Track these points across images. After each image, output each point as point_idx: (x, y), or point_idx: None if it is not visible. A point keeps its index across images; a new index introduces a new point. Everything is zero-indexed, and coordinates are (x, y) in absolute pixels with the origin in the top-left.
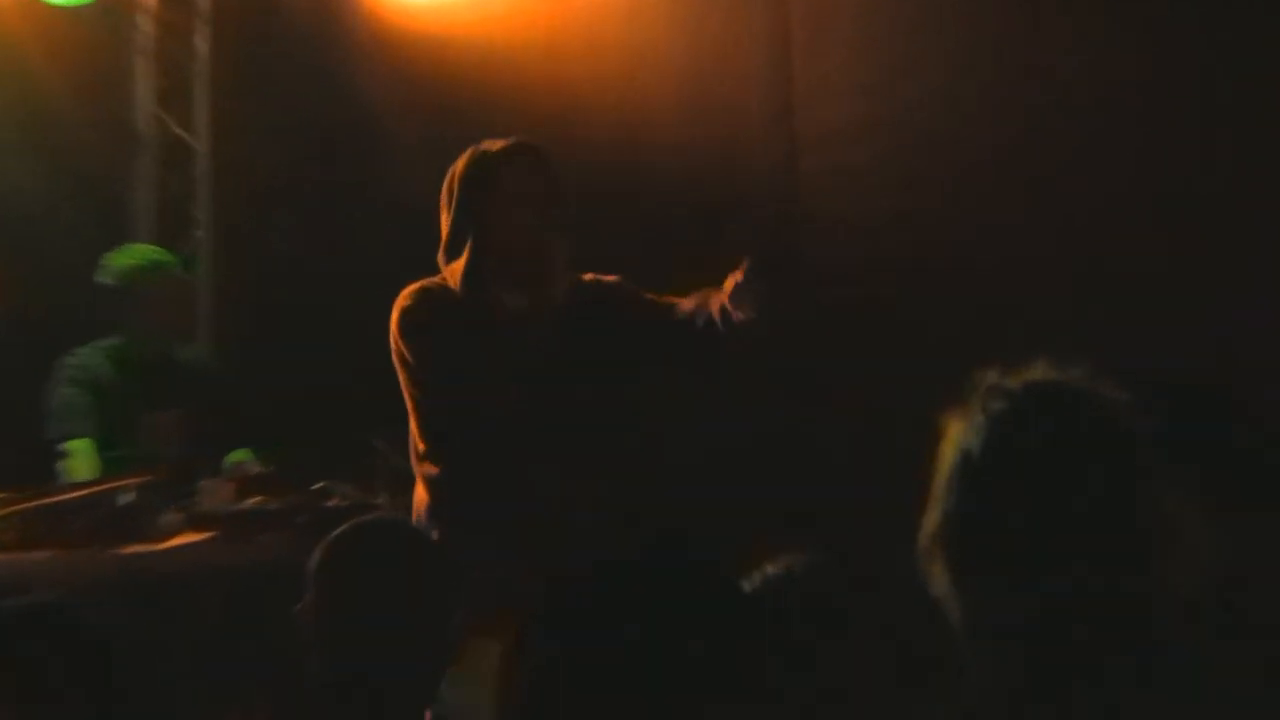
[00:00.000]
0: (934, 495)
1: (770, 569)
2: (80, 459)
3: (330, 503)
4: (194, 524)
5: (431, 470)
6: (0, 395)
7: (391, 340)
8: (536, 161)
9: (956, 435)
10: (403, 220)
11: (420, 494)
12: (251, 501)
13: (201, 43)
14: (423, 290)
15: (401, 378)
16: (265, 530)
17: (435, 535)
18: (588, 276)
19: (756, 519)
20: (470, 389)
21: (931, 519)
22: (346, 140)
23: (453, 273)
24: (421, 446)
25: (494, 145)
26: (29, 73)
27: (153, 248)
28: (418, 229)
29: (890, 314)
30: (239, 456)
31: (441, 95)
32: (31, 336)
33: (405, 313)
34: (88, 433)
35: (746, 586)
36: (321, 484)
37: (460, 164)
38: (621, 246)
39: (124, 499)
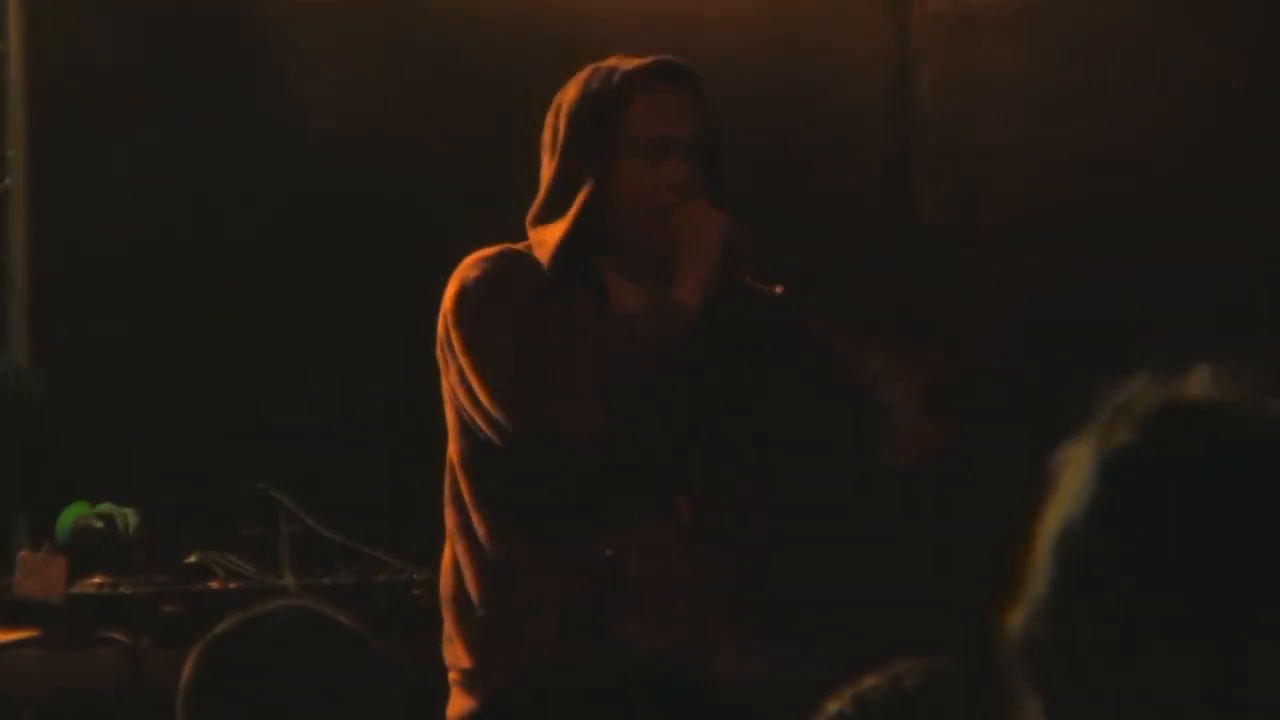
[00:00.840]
0: (1029, 575)
1: (869, 684)
2: None
3: (209, 585)
4: (7, 617)
5: (499, 522)
6: None
7: (443, 325)
8: (689, 89)
9: (1065, 489)
10: (319, 159)
11: (452, 556)
12: (91, 583)
13: None
14: (499, 255)
15: (451, 381)
16: (111, 627)
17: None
18: (766, 286)
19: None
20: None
21: (1023, 612)
22: (230, 36)
23: (543, 241)
24: (471, 485)
25: (625, 61)
26: None
27: None
28: (339, 172)
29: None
30: (74, 513)
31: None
32: None
33: (473, 285)
34: None
35: (829, 711)
36: (194, 556)
37: (572, 88)
38: None
39: None
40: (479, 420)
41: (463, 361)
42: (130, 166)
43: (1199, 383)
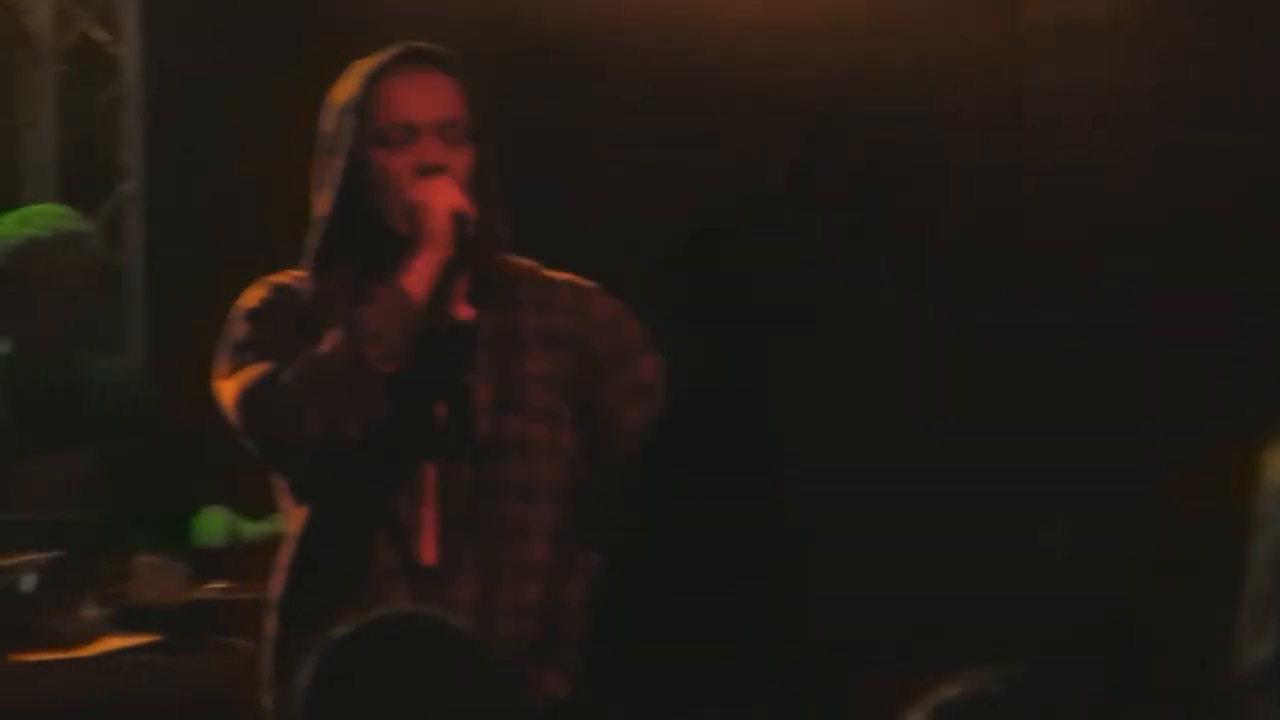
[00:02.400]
0: (1258, 600)
1: (949, 692)
2: None
3: None
4: (127, 623)
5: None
6: None
7: (218, 363)
8: (433, 74)
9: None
10: None
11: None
12: (211, 589)
13: None
14: (270, 294)
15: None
16: (231, 633)
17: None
18: (556, 275)
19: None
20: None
21: (1260, 642)
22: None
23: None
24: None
25: (375, 56)
26: None
27: (52, 208)
28: None
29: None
30: (212, 519)
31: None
32: None
33: (234, 323)
34: None
35: (914, 718)
36: None
37: (335, 90)
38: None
39: (23, 585)
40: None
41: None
42: (245, 172)
43: None
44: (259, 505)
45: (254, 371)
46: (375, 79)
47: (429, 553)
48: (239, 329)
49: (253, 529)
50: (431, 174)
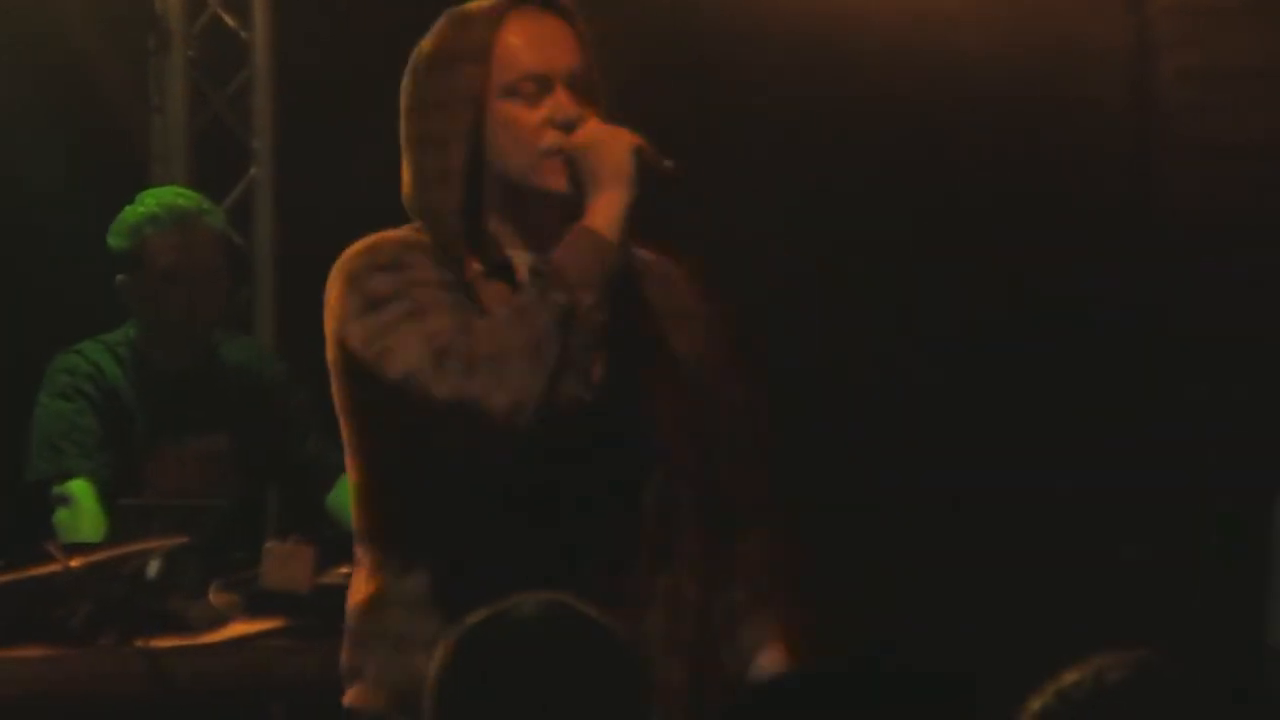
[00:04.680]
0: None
1: (1071, 679)
2: (80, 509)
3: None
4: (255, 608)
5: (394, 547)
6: None
7: (332, 329)
8: (557, 24)
9: None
10: None
11: (364, 587)
12: (339, 573)
13: None
14: (378, 241)
15: (343, 396)
16: None
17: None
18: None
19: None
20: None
21: None
22: None
23: (429, 214)
24: (367, 512)
25: (479, 2)
26: None
27: (182, 190)
28: None
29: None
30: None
31: None
32: (12, 330)
33: (360, 273)
34: (90, 470)
35: (1033, 709)
36: None
37: (429, 40)
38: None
39: (151, 571)
40: (376, 421)
41: (363, 352)
42: (374, 157)
43: None
44: None
45: (432, 323)
46: (497, 24)
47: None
48: (375, 279)
49: None
50: (569, 128)
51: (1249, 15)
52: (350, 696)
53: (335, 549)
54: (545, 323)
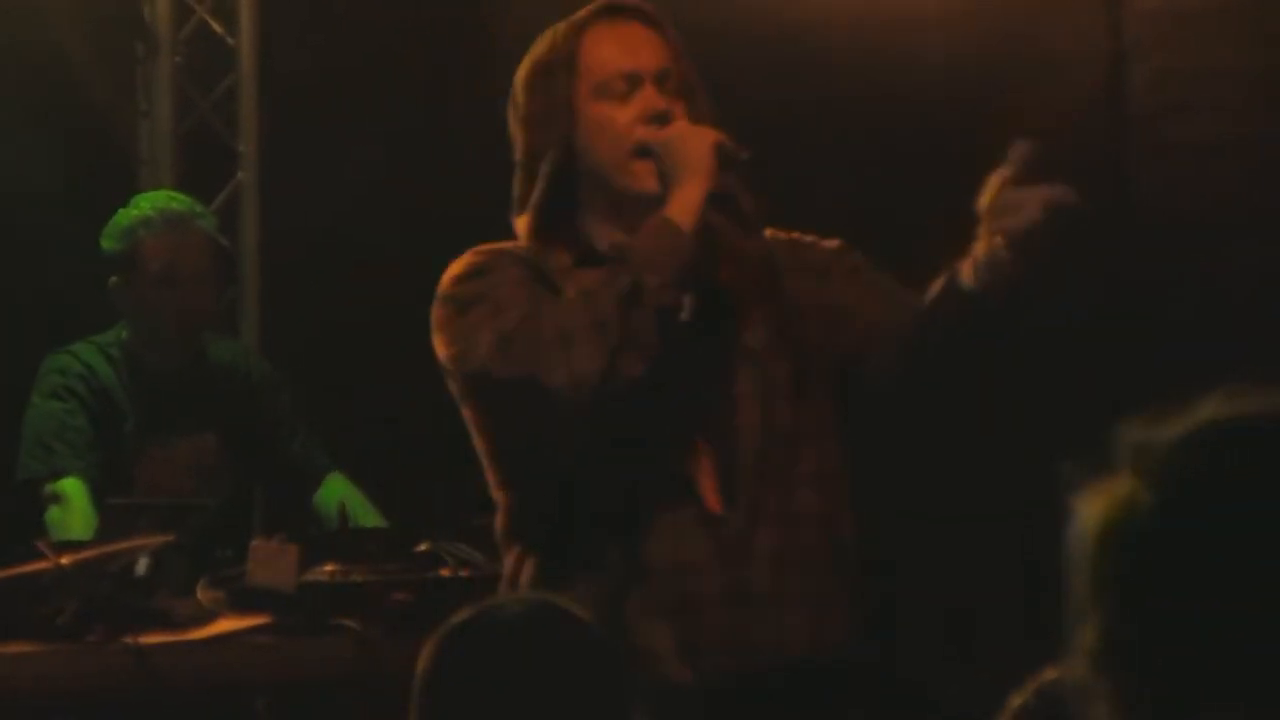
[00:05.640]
0: (1081, 600)
1: (1050, 677)
2: (70, 508)
3: (440, 573)
4: (240, 605)
5: (530, 543)
6: None
7: (439, 339)
8: (642, 28)
9: (1099, 518)
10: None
11: (516, 568)
12: (323, 571)
13: None
14: (479, 252)
15: (467, 413)
16: (344, 614)
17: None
18: (782, 235)
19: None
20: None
21: (1086, 634)
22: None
23: (528, 212)
24: (506, 495)
25: (573, 17)
26: None
27: (175, 194)
28: None
29: (1255, 281)
30: (335, 489)
31: None
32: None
33: (457, 278)
34: (80, 470)
35: (1013, 705)
36: (426, 544)
37: (529, 56)
38: (878, 189)
39: (139, 568)
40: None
41: (445, 357)
42: (358, 160)
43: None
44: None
45: (505, 318)
46: (581, 33)
47: (716, 502)
48: (465, 287)
49: (362, 514)
50: (659, 123)
51: (1216, 20)
52: None
53: (320, 548)
54: (608, 303)
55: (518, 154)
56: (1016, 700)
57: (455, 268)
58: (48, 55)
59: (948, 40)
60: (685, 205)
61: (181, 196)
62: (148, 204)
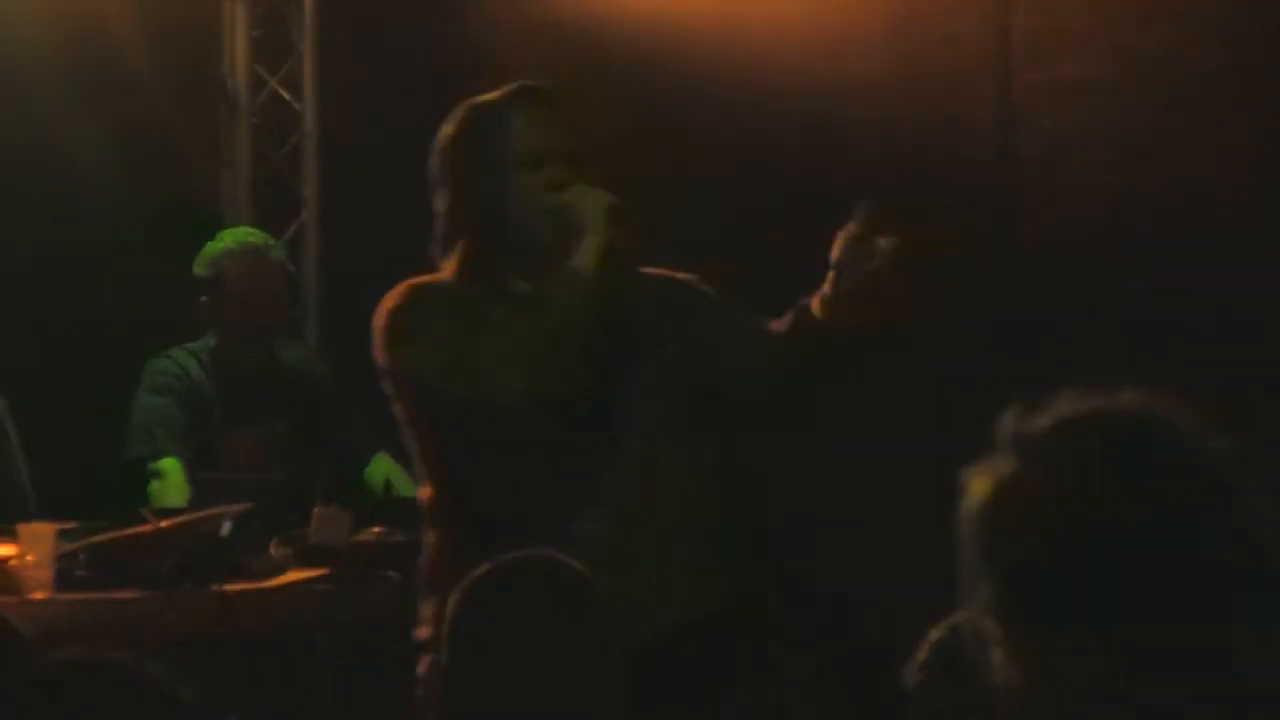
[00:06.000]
0: (974, 563)
1: (965, 615)
2: (168, 482)
3: None
4: (304, 559)
5: (450, 523)
6: (75, 409)
7: (380, 360)
8: (554, 106)
9: (988, 493)
10: None
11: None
12: (372, 532)
13: None
14: (409, 285)
15: (399, 409)
16: (387, 568)
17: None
18: (648, 270)
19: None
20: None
21: (981, 589)
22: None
23: (453, 260)
24: (432, 493)
25: (493, 94)
26: (99, 23)
27: (251, 230)
28: None
29: (1127, 305)
30: (380, 466)
31: (596, 53)
32: (113, 339)
33: (394, 314)
34: (176, 451)
35: (931, 639)
36: None
37: (450, 127)
38: (804, 238)
39: (223, 530)
40: (412, 431)
41: (390, 375)
42: (399, 205)
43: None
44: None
45: (447, 347)
46: (504, 111)
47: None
48: (406, 316)
49: (404, 487)
50: (561, 190)
51: (1098, 89)
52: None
53: (369, 514)
54: (534, 342)
55: (444, 204)
56: (934, 635)
57: (391, 299)
58: (148, 120)
59: (867, 108)
60: (586, 255)
61: (257, 232)
62: (230, 238)
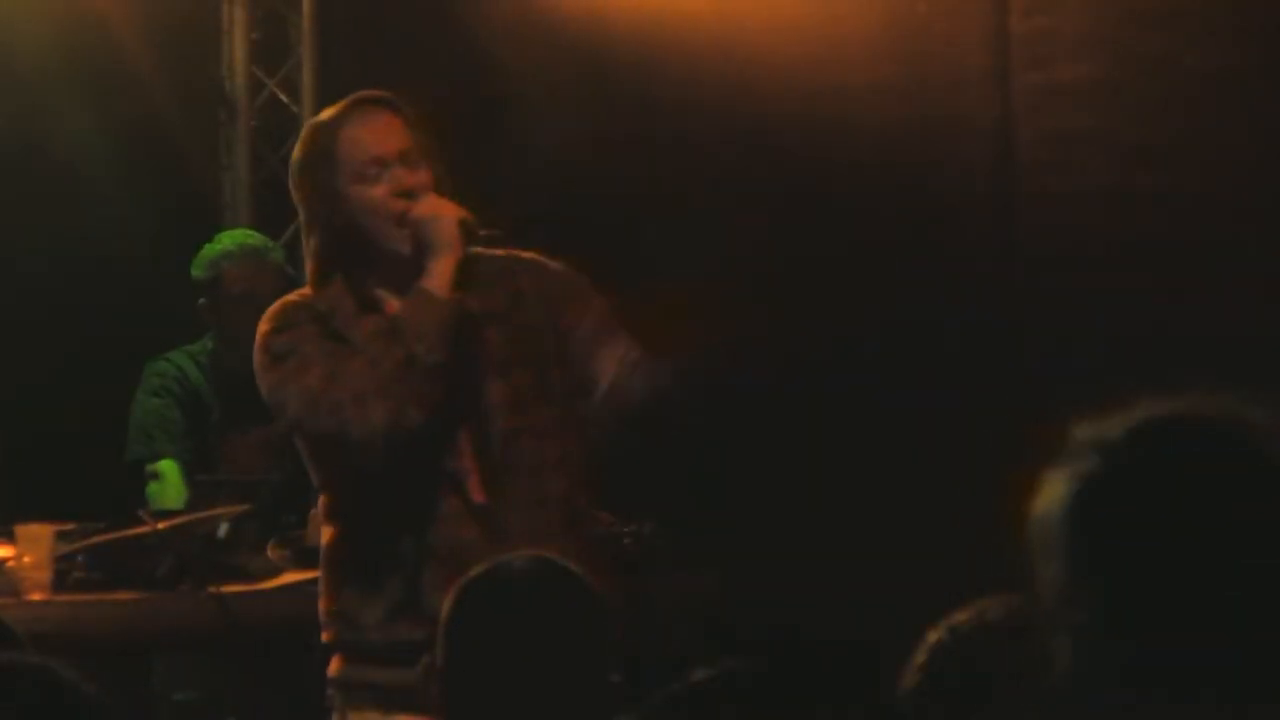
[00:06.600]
0: (1048, 551)
1: (961, 617)
2: (167, 484)
3: None
4: (301, 561)
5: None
6: (73, 411)
7: (261, 383)
8: (386, 116)
9: (1061, 494)
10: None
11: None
12: None
13: None
14: (285, 306)
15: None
16: None
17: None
18: (522, 254)
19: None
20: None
21: (1052, 575)
22: (481, 107)
23: (316, 276)
24: (325, 499)
25: (331, 110)
26: (99, 25)
27: (248, 232)
28: (553, 216)
29: (1121, 307)
30: None
31: (595, 55)
32: (111, 342)
33: (265, 338)
34: (175, 453)
35: (929, 640)
36: None
37: (298, 148)
38: (807, 238)
39: (220, 532)
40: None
41: (270, 401)
42: None
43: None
44: None
45: (311, 376)
46: (338, 127)
47: (480, 494)
48: (276, 340)
49: None
50: (409, 196)
51: (1098, 89)
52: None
53: None
54: (390, 371)
55: (304, 224)
56: (932, 636)
57: (267, 318)
58: (147, 123)
59: (869, 111)
60: (440, 276)
61: (256, 234)
62: (229, 240)
